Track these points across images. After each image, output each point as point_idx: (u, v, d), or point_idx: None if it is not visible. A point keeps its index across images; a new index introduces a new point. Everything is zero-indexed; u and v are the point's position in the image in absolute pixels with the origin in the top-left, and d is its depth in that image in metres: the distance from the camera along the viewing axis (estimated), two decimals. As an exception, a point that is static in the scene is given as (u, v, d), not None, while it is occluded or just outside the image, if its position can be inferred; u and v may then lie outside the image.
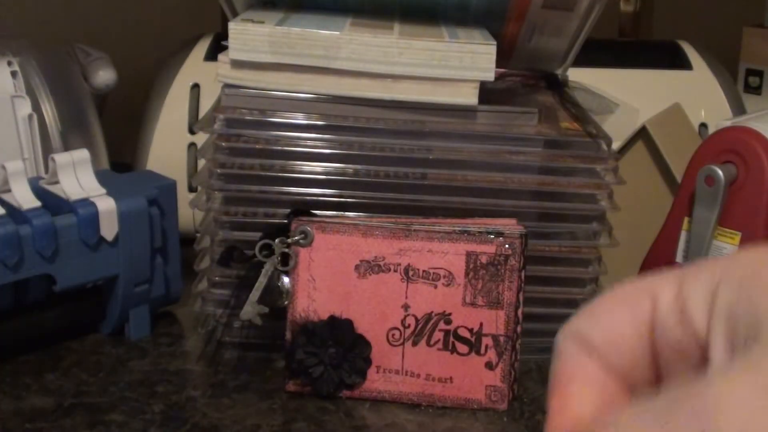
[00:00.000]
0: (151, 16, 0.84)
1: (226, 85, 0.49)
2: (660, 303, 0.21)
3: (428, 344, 0.47)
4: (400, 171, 0.49)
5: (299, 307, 0.47)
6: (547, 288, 0.51)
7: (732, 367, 0.17)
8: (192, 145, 0.63)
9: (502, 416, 0.47)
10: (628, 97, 0.59)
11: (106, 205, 0.49)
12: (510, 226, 0.47)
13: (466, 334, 0.47)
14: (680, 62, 0.73)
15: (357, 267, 0.46)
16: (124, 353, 0.51)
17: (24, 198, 0.48)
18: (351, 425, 0.45)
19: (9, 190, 0.49)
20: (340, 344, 0.46)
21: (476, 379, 0.47)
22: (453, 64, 0.48)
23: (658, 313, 0.21)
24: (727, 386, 0.16)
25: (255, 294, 0.47)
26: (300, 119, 0.49)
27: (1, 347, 0.50)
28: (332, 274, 0.47)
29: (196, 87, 0.63)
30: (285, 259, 0.46)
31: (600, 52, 0.71)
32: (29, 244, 0.47)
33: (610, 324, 0.22)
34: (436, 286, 0.46)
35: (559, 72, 0.58)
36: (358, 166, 0.49)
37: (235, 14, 0.55)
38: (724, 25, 0.92)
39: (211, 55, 0.64)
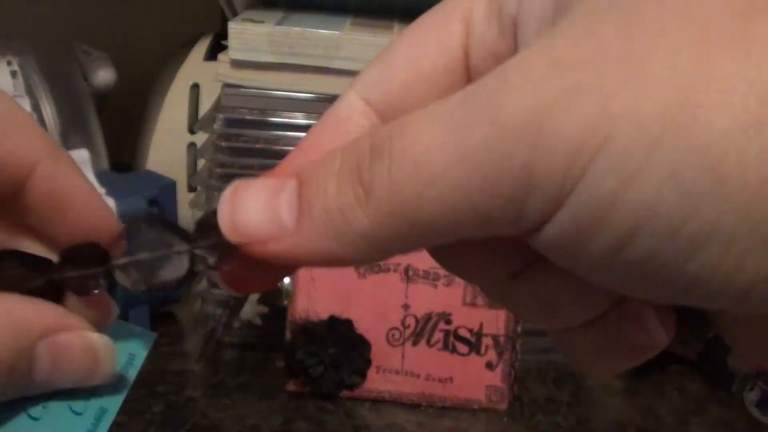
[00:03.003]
0: (151, 16, 0.84)
1: (226, 85, 0.49)
2: (473, 18, 0.19)
3: (428, 344, 0.47)
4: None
5: (299, 307, 0.47)
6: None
7: (527, 48, 0.15)
8: (192, 145, 0.62)
9: (502, 416, 0.47)
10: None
11: (105, 205, 0.49)
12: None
13: (466, 334, 0.47)
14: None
15: (357, 267, 0.46)
16: (124, 353, 0.51)
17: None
18: (351, 425, 0.45)
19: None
20: (340, 344, 0.46)
21: (476, 379, 0.47)
22: (453, 64, 0.48)
23: (472, 31, 0.19)
24: (513, 70, 0.15)
25: (255, 294, 0.47)
26: (300, 119, 0.49)
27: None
28: (332, 274, 0.47)
29: (195, 87, 0.63)
30: (285, 259, 0.46)
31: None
32: (29, 244, 0.47)
33: (406, 70, 0.19)
34: (436, 286, 0.46)
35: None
36: (358, 166, 0.49)
37: (235, 14, 0.55)
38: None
39: (211, 55, 0.64)
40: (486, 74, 0.16)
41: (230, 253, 0.19)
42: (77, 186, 0.22)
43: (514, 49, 0.19)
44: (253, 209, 0.18)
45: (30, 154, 0.21)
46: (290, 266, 0.18)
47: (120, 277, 0.21)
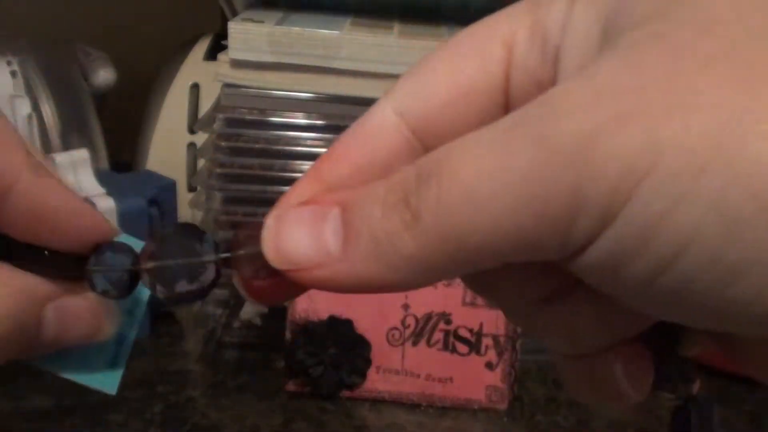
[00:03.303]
0: (151, 16, 0.84)
1: (226, 85, 0.49)
2: (516, 44, 0.19)
3: (428, 344, 0.47)
4: (400, 171, 0.49)
5: (299, 307, 0.47)
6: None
7: (573, 77, 0.16)
8: (192, 144, 0.62)
9: (502, 416, 0.47)
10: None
11: (105, 205, 0.49)
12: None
13: (466, 334, 0.47)
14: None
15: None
16: (123, 353, 0.51)
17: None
18: (351, 425, 0.45)
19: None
20: (340, 344, 0.46)
21: (476, 379, 0.47)
22: (453, 64, 0.48)
23: (514, 56, 0.19)
24: (560, 97, 0.15)
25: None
26: (300, 119, 0.49)
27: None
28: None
29: (195, 87, 0.63)
30: (285, 259, 0.46)
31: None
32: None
33: (445, 89, 0.20)
34: (436, 286, 0.46)
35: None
36: (358, 166, 0.49)
37: (234, 14, 0.55)
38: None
39: (211, 55, 0.64)
40: (530, 100, 0.16)
41: (271, 271, 0.19)
42: (60, 200, 0.22)
43: (554, 76, 0.19)
44: (297, 237, 0.18)
45: (8, 170, 0.20)
46: (335, 291, 0.18)
47: (145, 281, 0.21)
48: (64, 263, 0.22)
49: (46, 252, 0.22)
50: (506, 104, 0.20)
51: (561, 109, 0.15)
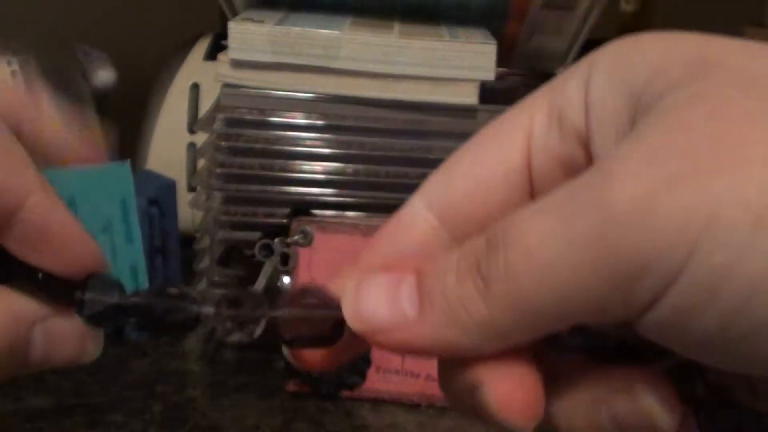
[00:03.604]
0: (151, 16, 0.84)
1: (226, 85, 0.49)
2: (534, 129, 0.20)
3: (428, 344, 0.47)
4: (400, 171, 0.49)
5: (299, 307, 0.47)
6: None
7: (622, 144, 0.17)
8: (192, 144, 0.62)
9: (503, 416, 0.46)
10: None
11: (105, 205, 0.49)
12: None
13: (466, 334, 0.47)
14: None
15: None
16: (123, 353, 0.51)
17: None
18: (351, 425, 0.45)
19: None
20: (340, 344, 0.46)
21: (476, 379, 0.47)
22: (453, 64, 0.48)
23: (534, 140, 0.20)
24: (614, 163, 0.16)
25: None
26: (300, 119, 0.49)
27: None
28: (332, 275, 0.46)
29: (195, 87, 0.63)
30: (285, 259, 0.46)
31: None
32: (29, 244, 0.47)
33: (466, 180, 0.21)
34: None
35: (559, 72, 0.58)
36: (358, 166, 0.49)
37: (234, 13, 0.55)
38: (724, 25, 0.92)
39: (211, 55, 0.64)
40: (553, 179, 0.18)
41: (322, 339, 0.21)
42: (64, 220, 0.22)
43: (581, 152, 0.20)
44: (375, 301, 0.19)
45: (21, 187, 0.21)
46: (411, 355, 0.20)
47: (131, 313, 0.23)
48: (56, 287, 0.22)
49: (39, 275, 0.22)
50: (530, 186, 0.21)
51: (616, 175, 0.16)
